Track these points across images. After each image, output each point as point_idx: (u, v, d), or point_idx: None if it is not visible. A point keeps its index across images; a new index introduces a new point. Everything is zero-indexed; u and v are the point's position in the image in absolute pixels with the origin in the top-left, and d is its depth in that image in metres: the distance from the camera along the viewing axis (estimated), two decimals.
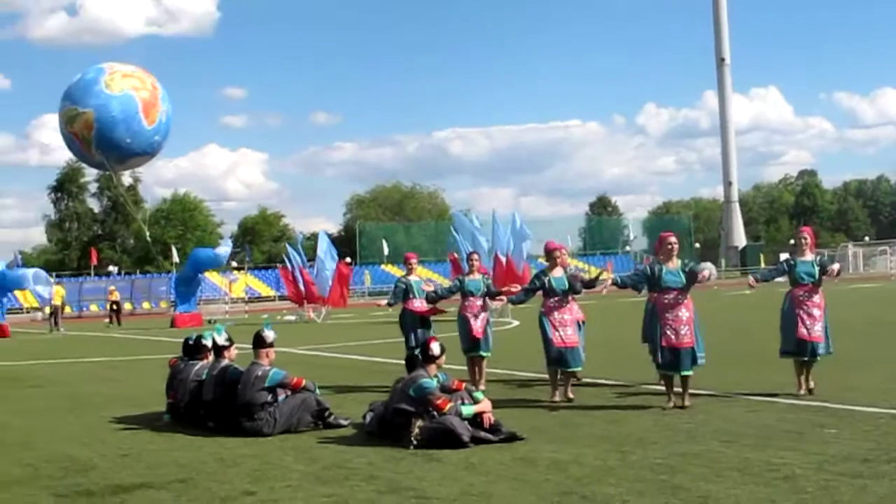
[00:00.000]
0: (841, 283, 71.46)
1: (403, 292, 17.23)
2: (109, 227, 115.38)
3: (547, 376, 14.87)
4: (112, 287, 55.10)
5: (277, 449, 11.26)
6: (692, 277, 13.56)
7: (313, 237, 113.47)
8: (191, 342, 14.14)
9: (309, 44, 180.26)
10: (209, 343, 13.72)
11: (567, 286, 14.68)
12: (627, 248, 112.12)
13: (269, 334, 12.84)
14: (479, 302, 16.69)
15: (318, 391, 12.96)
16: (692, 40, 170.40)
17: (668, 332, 13.37)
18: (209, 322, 46.68)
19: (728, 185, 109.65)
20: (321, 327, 40.48)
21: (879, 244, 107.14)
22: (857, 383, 14.54)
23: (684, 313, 13.40)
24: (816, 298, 14.18)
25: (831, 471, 8.80)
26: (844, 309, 38.03)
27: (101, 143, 16.56)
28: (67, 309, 63.98)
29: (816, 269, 14.26)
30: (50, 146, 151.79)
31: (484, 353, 16.59)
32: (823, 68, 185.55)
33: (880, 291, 52.37)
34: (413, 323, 17.03)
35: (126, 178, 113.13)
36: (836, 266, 14.51)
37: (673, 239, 13.95)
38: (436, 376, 11.56)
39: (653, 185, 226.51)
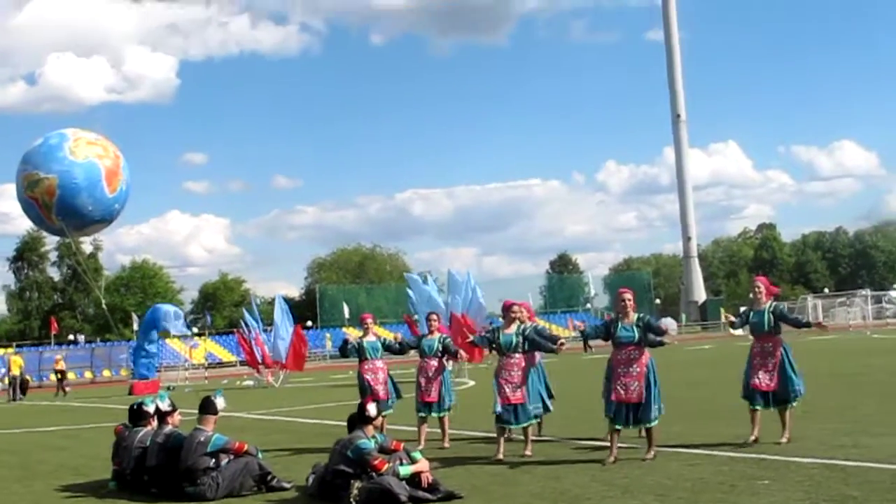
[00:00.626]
0: (801, 335, 72.08)
1: (356, 352, 17.35)
2: (70, 296, 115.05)
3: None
4: (58, 356, 54.46)
5: None
6: (648, 330, 13.85)
7: (273, 301, 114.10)
8: (135, 408, 14.19)
9: (269, 108, 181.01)
10: (152, 409, 13.78)
11: (514, 344, 14.84)
12: (588, 305, 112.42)
13: (220, 402, 12.88)
14: (434, 362, 16.80)
15: (260, 455, 13.03)
16: (650, 97, 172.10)
17: (619, 387, 13.60)
18: (167, 388, 46.60)
19: (687, 240, 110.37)
20: (278, 392, 40.42)
21: (839, 295, 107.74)
22: (800, 433, 14.62)
23: (635, 369, 13.62)
24: (769, 347, 14.50)
25: None
26: (800, 360, 38.40)
27: (63, 209, 16.47)
28: (28, 378, 63.74)
29: (768, 318, 14.52)
30: (10, 215, 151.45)
31: (435, 414, 16.65)
32: (781, 122, 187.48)
33: (837, 343, 52.59)
34: (365, 385, 17.14)
35: (87, 246, 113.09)
36: (669, 324, 14.76)
37: (628, 295, 14.14)
38: (374, 437, 11.70)
39: (615, 242, 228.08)
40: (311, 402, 30.21)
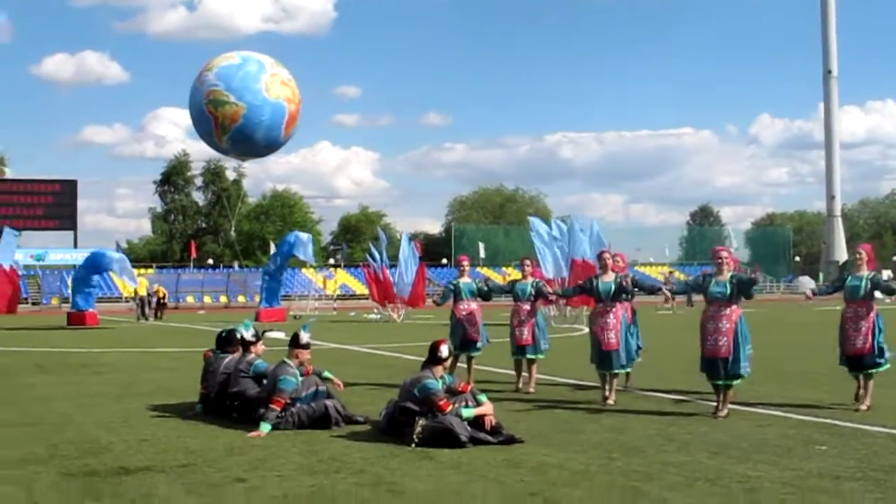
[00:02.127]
0: None
1: (452, 294, 17.72)
2: (214, 221, 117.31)
3: (594, 381, 15.68)
4: (157, 286, 54.92)
5: (288, 440, 11.70)
6: (741, 289, 13.92)
7: (414, 237, 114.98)
8: (223, 335, 14.66)
9: (423, 45, 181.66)
10: (238, 336, 14.23)
11: (612, 291, 15.16)
12: (737, 255, 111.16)
13: (304, 336, 13.23)
14: (527, 306, 17.16)
15: (327, 373, 13.76)
16: (807, 50, 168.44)
17: (709, 342, 13.80)
18: (294, 317, 47.52)
19: (831, 198, 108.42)
20: (398, 327, 40.95)
21: None
22: (885, 401, 14.57)
23: (725, 324, 13.73)
24: (862, 312, 14.55)
25: (796, 485, 9.04)
26: None
27: (238, 137, 16.81)
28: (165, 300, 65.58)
29: (865, 284, 14.63)
30: (165, 138, 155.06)
31: (531, 356, 17.02)
32: None
33: None
34: (456, 325, 17.49)
35: (230, 173, 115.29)
36: (805, 283, 14.77)
37: (724, 253, 14.28)
38: (442, 378, 11.93)
39: (764, 196, 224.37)
40: (425, 339, 30.55)
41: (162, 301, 53.14)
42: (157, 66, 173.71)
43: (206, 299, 78.10)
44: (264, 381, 13.11)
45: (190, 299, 77.27)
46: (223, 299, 77.80)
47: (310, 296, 64.13)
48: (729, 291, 13.87)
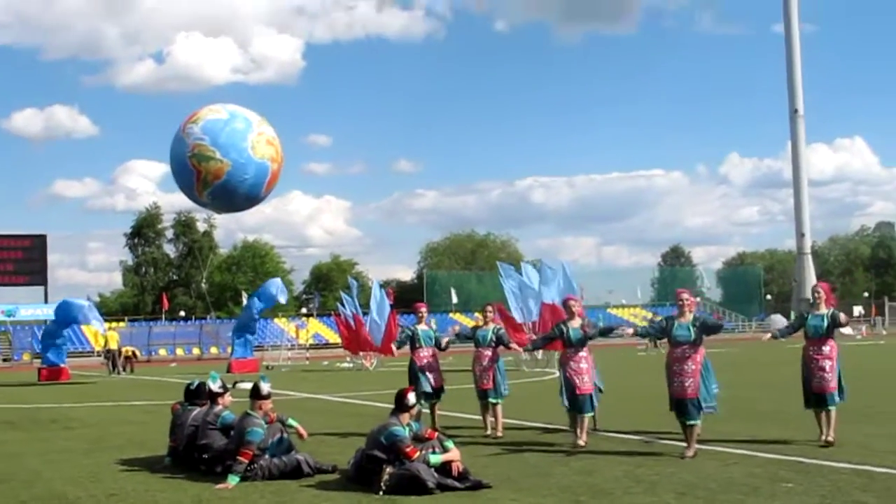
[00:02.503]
0: None
1: (409, 340, 17.78)
2: (185, 273, 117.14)
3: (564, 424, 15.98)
4: (113, 334, 54.31)
5: (256, 492, 11.72)
6: (704, 330, 14.14)
7: (387, 284, 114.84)
8: (191, 388, 14.69)
9: (393, 92, 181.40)
10: (203, 389, 14.27)
11: (582, 336, 15.33)
12: (697, 298, 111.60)
13: (265, 387, 13.27)
14: (488, 352, 17.31)
15: (291, 421, 13.58)
16: (774, 90, 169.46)
17: (675, 384, 14.01)
18: (266, 368, 47.45)
19: (800, 236, 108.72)
20: (370, 375, 40.95)
21: None
22: (850, 438, 14.70)
23: (690, 366, 13.95)
24: (826, 350, 14.83)
25: None
26: (890, 361, 38.09)
27: (219, 193, 16.74)
28: (137, 353, 65.38)
29: (826, 322, 14.88)
30: (136, 191, 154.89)
31: (492, 400, 17.15)
32: None
33: None
34: (416, 372, 17.55)
35: (201, 224, 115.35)
36: (776, 321, 15.07)
37: (685, 295, 14.53)
38: (408, 425, 11.98)
39: (736, 236, 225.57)
40: (396, 387, 30.52)
41: (129, 357, 52.81)
42: (127, 119, 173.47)
43: (179, 351, 77.81)
44: (232, 433, 13.13)
45: (162, 352, 76.97)
46: (196, 351, 77.56)
47: (282, 346, 63.87)
48: (692, 335, 14.07)
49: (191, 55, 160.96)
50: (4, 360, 74.09)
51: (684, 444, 13.96)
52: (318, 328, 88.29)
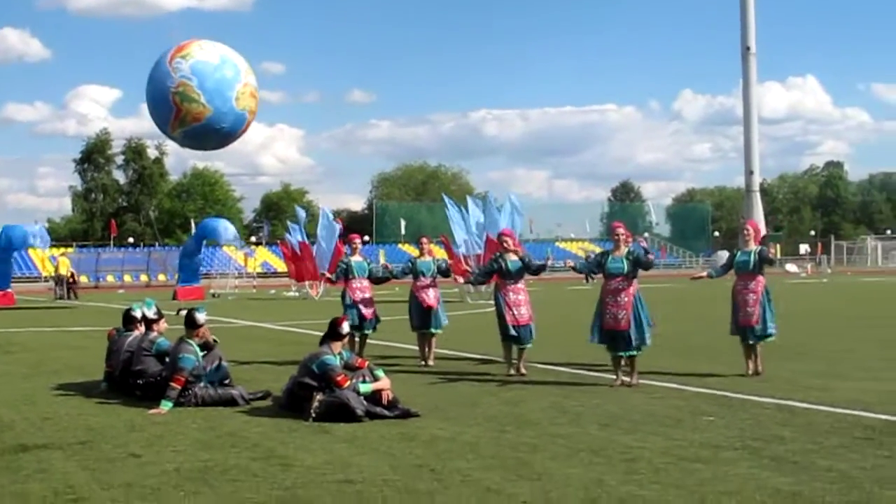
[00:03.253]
0: (853, 276, 71.95)
1: (344, 272, 17.96)
2: (135, 199, 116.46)
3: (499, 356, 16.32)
4: (63, 259, 54.22)
5: (189, 417, 11.88)
6: (637, 264, 14.51)
7: (337, 213, 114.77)
8: (125, 314, 14.78)
9: (348, 21, 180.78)
10: (139, 315, 14.36)
11: (520, 268, 15.83)
12: (645, 234, 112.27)
13: (200, 316, 13.37)
14: (429, 281, 17.72)
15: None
16: (730, 27, 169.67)
17: (608, 316, 14.41)
18: (212, 296, 47.54)
19: (749, 174, 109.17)
20: (314, 304, 41.12)
21: None
22: (777, 373, 15.06)
23: (624, 298, 14.36)
24: (752, 285, 15.38)
25: (675, 455, 9.34)
26: (830, 300, 38.59)
27: (192, 133, 16.64)
28: (84, 278, 65.25)
29: (753, 259, 15.47)
30: (87, 116, 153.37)
31: (434, 330, 17.60)
32: (862, 59, 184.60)
33: (886, 286, 52.42)
34: (347, 304, 17.74)
35: (152, 151, 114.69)
36: (720, 257, 15.49)
37: (620, 230, 14.92)
38: (339, 354, 12.15)
39: (687, 172, 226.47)
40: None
41: (71, 280, 52.52)
42: (80, 44, 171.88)
43: (127, 278, 77.58)
44: (167, 360, 13.26)
45: (110, 278, 76.73)
46: (143, 278, 77.29)
47: (230, 274, 63.89)
48: (626, 268, 14.43)
49: None
50: None
51: (611, 377, 14.31)
52: (266, 257, 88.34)
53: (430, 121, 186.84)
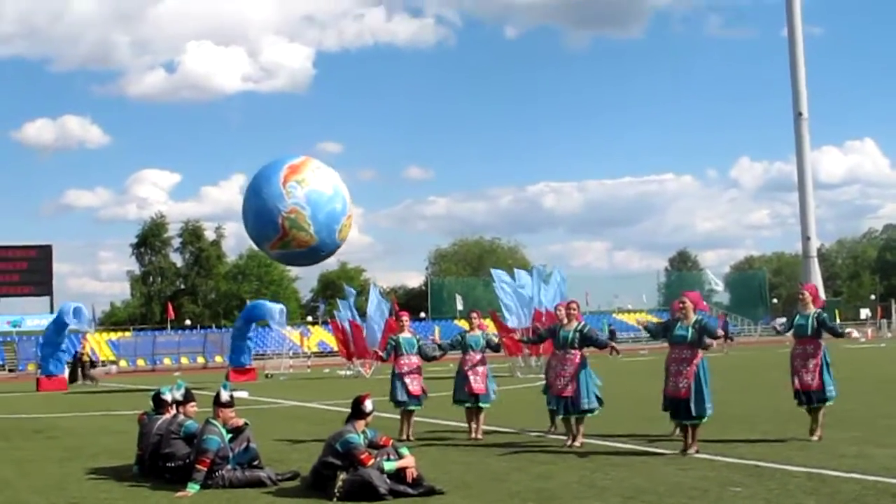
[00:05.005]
0: None
1: (394, 348, 18.04)
2: (192, 281, 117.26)
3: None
4: (84, 341, 54.40)
5: (215, 499, 11.88)
6: (704, 332, 14.55)
7: (394, 291, 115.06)
8: (155, 396, 14.82)
9: (403, 99, 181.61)
10: (168, 398, 14.39)
11: (571, 339, 15.82)
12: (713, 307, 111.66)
13: (224, 394, 13.38)
14: (478, 356, 17.76)
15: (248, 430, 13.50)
16: (783, 93, 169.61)
17: (670, 383, 14.51)
18: (266, 376, 47.60)
19: (806, 239, 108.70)
20: (365, 382, 41.06)
21: None
22: (820, 443, 14.90)
23: (686, 367, 14.38)
24: (811, 349, 15.53)
25: None
26: (885, 364, 38.09)
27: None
28: (141, 362, 65.74)
29: (810, 323, 15.60)
30: (147, 200, 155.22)
31: (483, 405, 17.61)
32: None
33: None
34: (394, 379, 17.80)
35: (210, 233, 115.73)
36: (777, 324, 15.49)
37: (685, 299, 14.92)
38: (363, 432, 12.12)
39: (747, 240, 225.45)
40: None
41: (84, 361, 52.64)
42: (139, 128, 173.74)
43: (184, 360, 77.89)
44: (195, 442, 13.27)
45: (167, 361, 77.11)
46: (200, 360, 77.64)
47: (284, 354, 63.98)
48: (690, 336, 14.49)
49: (201, 64, 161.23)
50: (10, 370, 74.26)
51: (645, 447, 14.22)
52: (322, 336, 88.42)
53: (487, 196, 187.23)
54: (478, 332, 18.02)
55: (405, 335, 18.19)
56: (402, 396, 17.58)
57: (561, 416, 16.03)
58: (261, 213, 15.90)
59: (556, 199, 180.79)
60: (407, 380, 17.69)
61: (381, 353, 19.16)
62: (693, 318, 14.61)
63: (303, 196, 15.77)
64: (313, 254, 16.39)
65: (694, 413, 14.20)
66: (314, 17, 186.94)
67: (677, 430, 15.11)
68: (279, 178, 16.17)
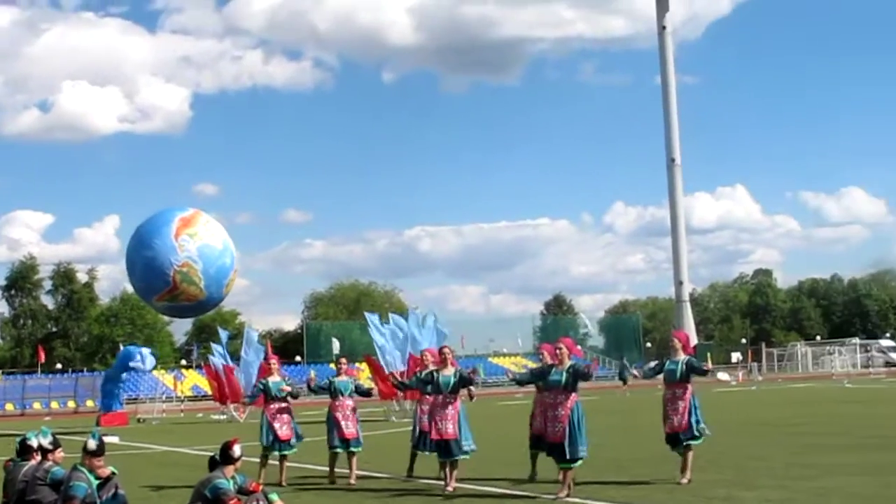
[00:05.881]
0: (783, 382, 72.40)
1: (262, 391, 17.98)
2: (63, 324, 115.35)
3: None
4: None
5: None
6: (577, 376, 14.93)
7: (270, 334, 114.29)
8: (21, 443, 14.53)
9: (280, 142, 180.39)
10: (35, 444, 14.13)
11: (451, 384, 16.02)
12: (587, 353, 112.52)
13: (92, 443, 13.17)
14: (349, 402, 17.90)
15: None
16: (656, 139, 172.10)
17: (548, 428, 14.91)
18: (138, 421, 46.95)
19: (679, 284, 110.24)
20: (237, 426, 40.65)
21: (830, 343, 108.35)
22: (689, 486, 15.16)
23: (561, 411, 14.72)
24: (680, 393, 15.93)
25: None
26: (755, 407, 38.71)
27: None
28: (9, 406, 64.42)
29: (680, 368, 16.02)
30: (19, 241, 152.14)
31: (354, 450, 17.77)
32: (789, 167, 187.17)
33: (808, 391, 52.86)
34: (264, 424, 17.72)
35: (82, 275, 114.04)
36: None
37: (561, 346, 15.43)
38: (233, 478, 12.03)
39: (622, 284, 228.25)
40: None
41: None
42: (11, 168, 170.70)
43: (54, 405, 76.32)
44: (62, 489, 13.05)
45: (37, 405, 75.56)
46: (71, 404, 76.13)
47: (157, 398, 63.12)
48: (564, 380, 14.87)
49: (77, 104, 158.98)
50: None
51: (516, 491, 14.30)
52: (197, 380, 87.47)
53: (364, 239, 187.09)
54: (346, 378, 18.21)
55: (274, 379, 18.16)
56: (268, 441, 17.52)
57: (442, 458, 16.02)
58: (151, 265, 15.81)
59: (432, 243, 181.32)
60: (276, 424, 17.62)
61: (245, 399, 19.13)
62: (567, 363, 14.93)
63: (195, 250, 15.78)
64: (200, 307, 16.38)
65: (568, 456, 14.46)
66: (191, 59, 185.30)
67: (536, 475, 16.00)
68: (171, 230, 16.10)
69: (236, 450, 12.33)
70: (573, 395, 14.87)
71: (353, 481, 17.29)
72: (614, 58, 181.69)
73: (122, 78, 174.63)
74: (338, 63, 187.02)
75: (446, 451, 15.69)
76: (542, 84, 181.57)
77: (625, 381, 16.93)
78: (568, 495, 14.36)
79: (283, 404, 17.89)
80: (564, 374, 14.89)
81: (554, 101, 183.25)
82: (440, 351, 16.49)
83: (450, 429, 15.73)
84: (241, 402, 43.34)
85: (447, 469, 15.74)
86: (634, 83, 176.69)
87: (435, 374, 16.17)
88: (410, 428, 18.47)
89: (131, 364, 44.48)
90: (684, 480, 15.52)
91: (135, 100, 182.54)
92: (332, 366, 18.70)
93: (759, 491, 14.30)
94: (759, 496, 13.78)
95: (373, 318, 42.04)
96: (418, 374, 17.54)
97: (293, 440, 17.86)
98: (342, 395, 17.84)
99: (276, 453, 17.69)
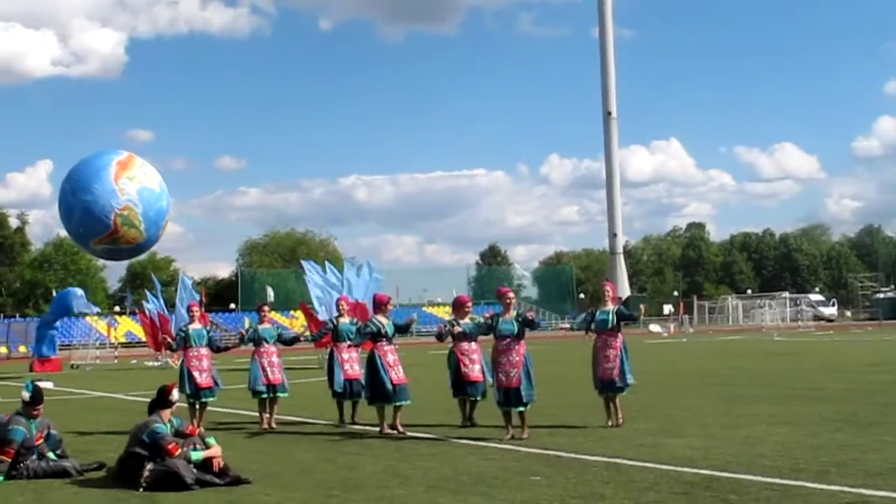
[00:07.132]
0: (714, 335, 73.22)
1: (183, 339, 18.01)
2: None
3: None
4: None
5: (17, 490, 11.78)
6: (525, 324, 15.43)
7: (204, 282, 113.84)
8: None
9: (216, 89, 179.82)
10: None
11: (394, 330, 16.74)
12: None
13: (25, 395, 13.23)
14: (273, 349, 18.13)
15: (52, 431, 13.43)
16: (594, 92, 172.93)
17: (501, 375, 15.20)
18: (72, 367, 46.82)
19: (613, 236, 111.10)
20: (172, 372, 40.58)
21: (759, 297, 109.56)
22: (614, 431, 15.48)
23: (514, 357, 15.17)
24: (611, 342, 16.48)
25: None
26: (686, 359, 39.19)
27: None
28: None
29: (611, 317, 16.58)
30: None
31: (280, 395, 18.04)
32: (723, 122, 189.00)
33: (736, 344, 53.55)
34: (183, 371, 18.05)
35: (13, 220, 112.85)
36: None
37: (511, 294, 15.91)
38: (170, 421, 12.16)
39: (556, 236, 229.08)
40: None
41: None
42: None
43: None
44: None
45: None
46: (3, 350, 75.78)
47: (91, 344, 62.81)
48: (516, 329, 15.32)
49: (10, 46, 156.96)
50: None
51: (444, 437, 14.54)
52: (130, 326, 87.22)
53: (299, 187, 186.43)
54: (268, 325, 18.36)
55: (195, 326, 18.13)
56: (190, 389, 17.60)
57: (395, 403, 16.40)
58: (90, 209, 15.69)
59: (367, 192, 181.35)
60: (195, 371, 17.71)
61: (170, 342, 19.12)
62: (514, 312, 15.53)
63: (135, 193, 15.69)
64: (138, 249, 16.35)
65: (524, 399, 14.98)
66: (127, 3, 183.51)
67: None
68: (109, 174, 16.01)
69: (174, 394, 12.47)
70: (523, 342, 15.38)
71: (273, 425, 17.56)
72: (553, 9, 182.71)
73: (57, 21, 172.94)
74: (275, 10, 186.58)
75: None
76: (480, 35, 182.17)
77: (441, 340, 16.76)
78: (528, 436, 14.89)
79: (203, 352, 17.91)
80: (514, 322, 15.32)
81: (491, 51, 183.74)
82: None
83: (401, 374, 16.37)
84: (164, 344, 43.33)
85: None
86: (572, 35, 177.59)
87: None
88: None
89: (79, 309, 44.33)
90: (612, 423, 16.20)
91: (69, 43, 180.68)
92: (270, 314, 18.70)
93: (686, 439, 14.54)
94: (685, 443, 14.02)
95: (310, 266, 41.80)
96: (361, 326, 17.57)
97: (214, 388, 17.96)
98: (266, 342, 18.01)
99: (195, 401, 17.74)
